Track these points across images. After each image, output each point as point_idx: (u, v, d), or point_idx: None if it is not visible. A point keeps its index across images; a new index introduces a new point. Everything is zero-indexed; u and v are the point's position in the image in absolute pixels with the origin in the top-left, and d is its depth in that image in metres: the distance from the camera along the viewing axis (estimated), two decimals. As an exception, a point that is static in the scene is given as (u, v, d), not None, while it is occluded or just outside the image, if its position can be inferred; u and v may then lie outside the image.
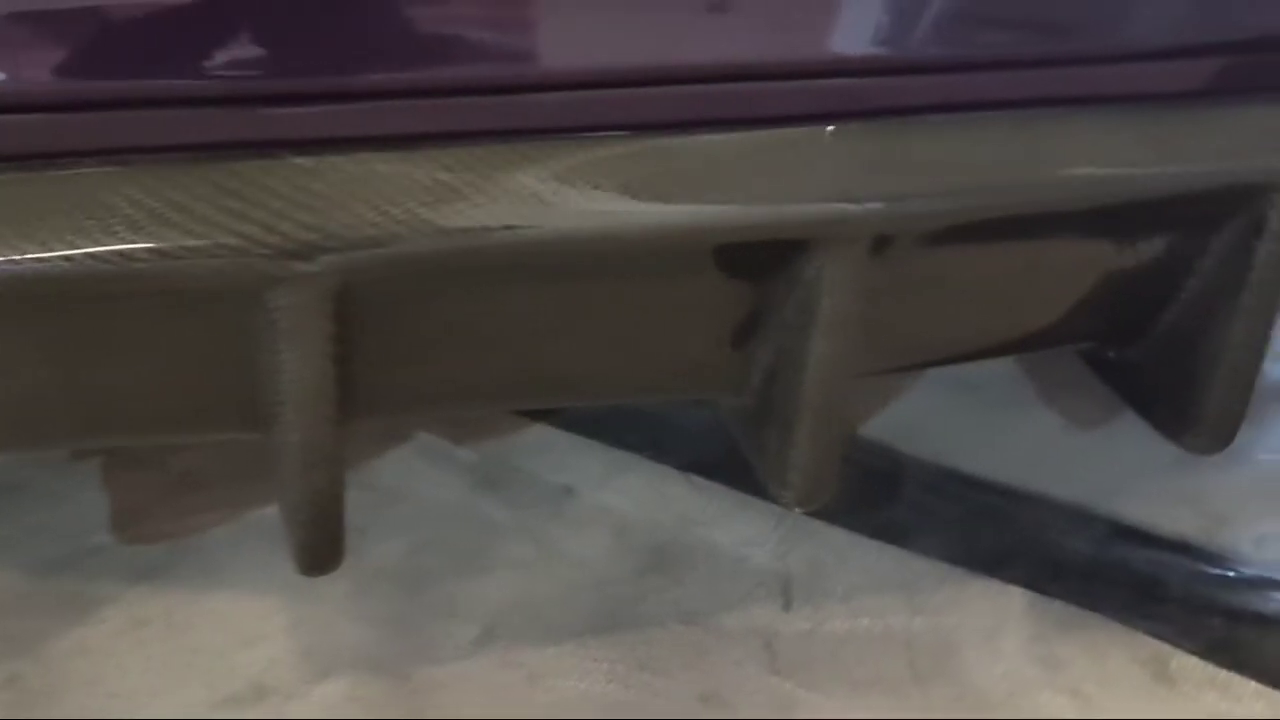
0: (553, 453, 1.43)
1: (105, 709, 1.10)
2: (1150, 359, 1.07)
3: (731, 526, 1.34)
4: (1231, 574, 1.30)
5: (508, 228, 0.79)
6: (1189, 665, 1.19)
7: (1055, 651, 1.20)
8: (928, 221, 0.86)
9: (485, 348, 0.89)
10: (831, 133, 0.85)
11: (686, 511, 1.36)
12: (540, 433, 1.46)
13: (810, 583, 1.27)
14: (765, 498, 1.36)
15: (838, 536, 1.33)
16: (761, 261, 0.88)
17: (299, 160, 0.76)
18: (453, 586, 1.25)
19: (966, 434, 1.50)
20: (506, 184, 0.79)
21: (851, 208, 0.83)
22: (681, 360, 0.96)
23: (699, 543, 1.32)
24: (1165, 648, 1.21)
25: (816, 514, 1.35)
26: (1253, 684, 1.18)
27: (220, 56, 0.75)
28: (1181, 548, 1.34)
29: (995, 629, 1.22)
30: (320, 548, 0.87)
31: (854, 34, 0.86)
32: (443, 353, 0.88)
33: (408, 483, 1.38)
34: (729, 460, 1.42)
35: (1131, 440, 1.49)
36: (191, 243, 0.74)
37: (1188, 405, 1.05)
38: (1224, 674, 1.19)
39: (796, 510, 0.98)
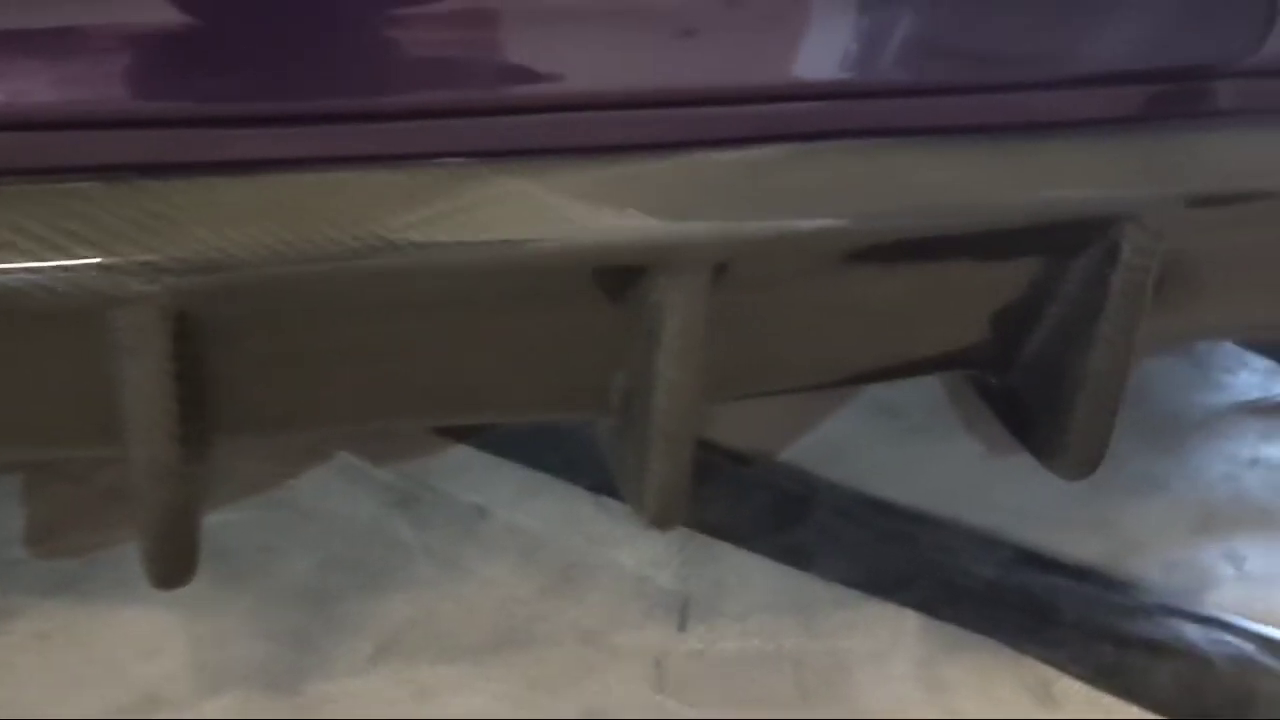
0: (470, 473, 1.46)
1: None
2: (1022, 385, 1.09)
3: (637, 547, 1.35)
4: (1129, 601, 1.31)
5: (347, 255, 0.81)
6: (1074, 690, 1.20)
7: (942, 674, 1.21)
8: (764, 249, 0.88)
9: (346, 368, 0.92)
10: (681, 161, 0.87)
11: (594, 532, 1.38)
12: (459, 454, 1.49)
13: (708, 604, 1.29)
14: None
15: (742, 559, 1.35)
16: (613, 286, 0.90)
17: (142, 183, 0.79)
18: (355, 604, 1.27)
19: (884, 459, 1.52)
20: (349, 210, 0.81)
21: (683, 234, 0.85)
22: (548, 380, 0.98)
23: (604, 563, 1.34)
24: (1052, 672, 1.22)
25: (723, 536, 1.38)
26: (1135, 709, 1.19)
27: (61, 79, 0.78)
28: (1084, 574, 1.35)
29: (886, 651, 1.24)
30: (169, 561, 0.89)
31: (711, 65, 0.88)
32: (301, 373, 0.91)
33: (323, 501, 1.40)
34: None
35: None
36: (32, 264, 0.77)
37: (1054, 431, 1.06)
38: (1108, 699, 1.20)
39: (651, 526, 1.00)
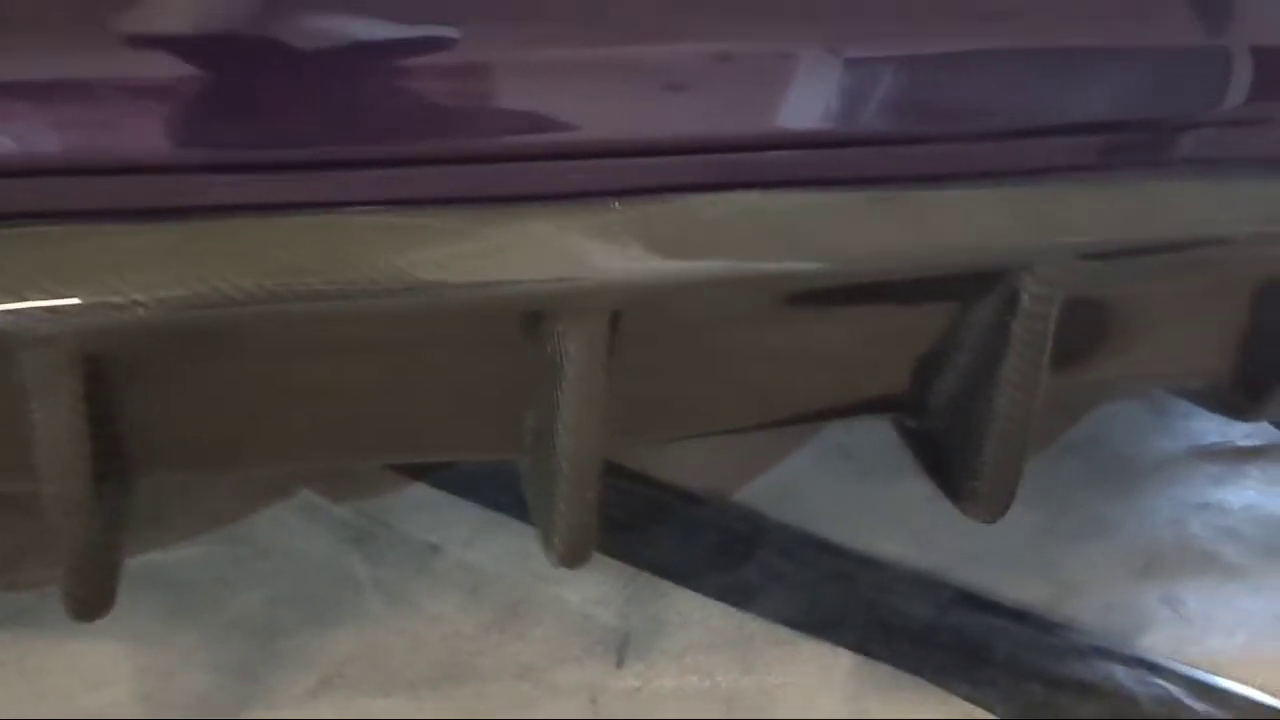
0: (427, 511, 1.49)
1: (-52, 746, 1.17)
2: (936, 428, 1.11)
3: (583, 586, 1.38)
4: (1063, 642, 1.33)
5: (247, 299, 0.85)
6: (999, 729, 1.23)
7: (869, 711, 1.23)
8: (653, 296, 0.91)
9: (263, 407, 0.95)
10: (580, 209, 0.91)
11: (542, 570, 1.40)
12: (418, 492, 1.52)
13: (648, 641, 1.32)
14: (620, 558, 1.42)
15: (684, 597, 1.37)
16: (523, 329, 0.94)
17: (46, 229, 0.83)
18: (302, 638, 1.30)
19: (835, 500, 1.54)
20: (252, 256, 0.85)
21: (578, 281, 0.89)
22: (464, 420, 1.01)
23: (549, 600, 1.37)
24: (980, 711, 1.24)
25: (668, 575, 1.41)
26: (1058, 749, 1.21)
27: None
28: (1020, 616, 1.37)
29: (817, 689, 1.26)
30: (84, 595, 0.93)
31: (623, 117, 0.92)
32: (221, 412, 0.94)
33: (279, 537, 1.44)
34: (591, 522, 1.48)
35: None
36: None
37: (964, 474, 1.09)
38: (1034, 738, 1.22)
39: (559, 565, 1.03)
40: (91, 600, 0.93)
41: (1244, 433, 1.69)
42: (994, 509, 1.10)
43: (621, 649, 1.31)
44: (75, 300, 0.82)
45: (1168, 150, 1.02)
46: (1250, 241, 1.02)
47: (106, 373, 0.86)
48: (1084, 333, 1.10)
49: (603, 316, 0.91)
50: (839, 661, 1.29)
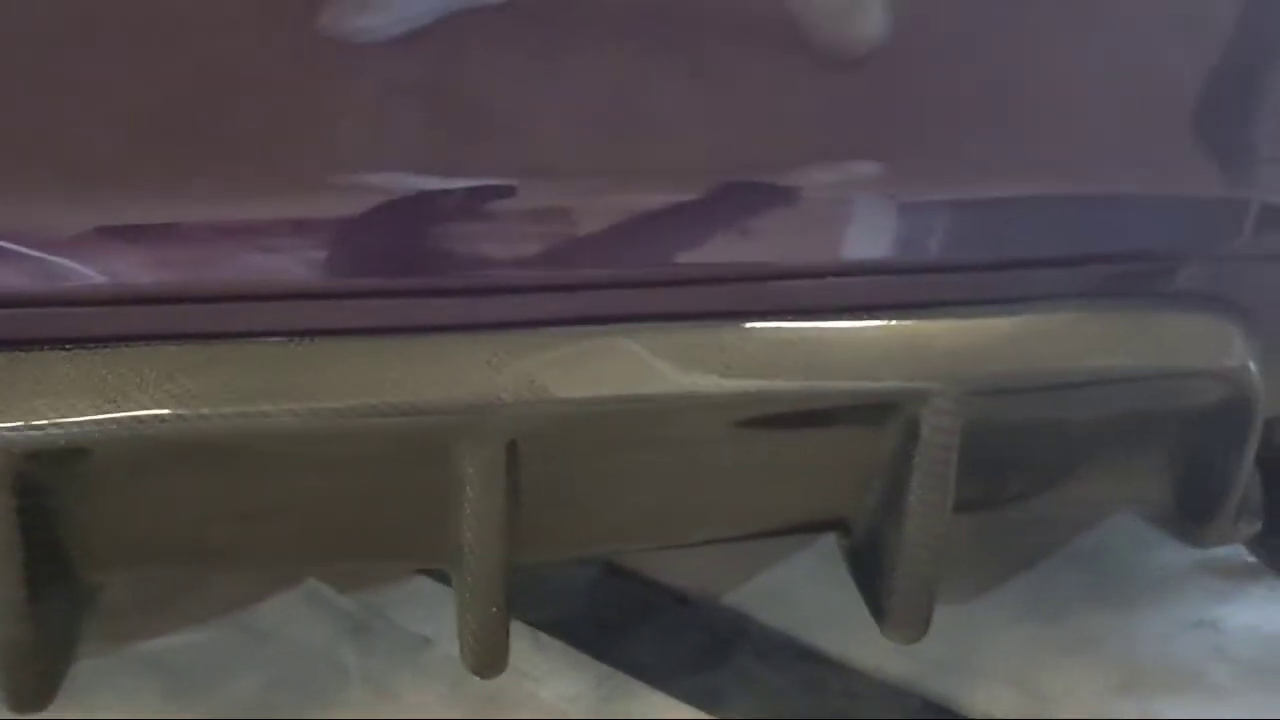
0: (424, 605, 1.56)
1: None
2: (860, 549, 1.14)
3: (559, 683, 1.43)
4: (1022, 756, 1.34)
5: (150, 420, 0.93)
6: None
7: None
8: (554, 425, 0.97)
9: (195, 515, 1.03)
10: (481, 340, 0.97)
11: (524, 666, 1.46)
12: (417, 585, 1.59)
13: (616, 741, 1.37)
14: (600, 657, 1.47)
15: (654, 699, 1.41)
16: (431, 453, 1.00)
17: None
18: (287, 723, 1.38)
19: (824, 605, 1.56)
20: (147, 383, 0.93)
21: (473, 411, 0.95)
22: (392, 532, 1.08)
23: (525, 696, 1.42)
24: (921, 826, 1.26)
25: (643, 675, 1.45)
26: None
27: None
28: (983, 728, 1.38)
29: (768, 795, 1.29)
30: (20, 691, 1.00)
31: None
32: (153, 518, 1.02)
33: (282, 625, 1.52)
34: (573, 620, 1.54)
35: (983, 621, 1.55)
36: None
37: (879, 595, 1.12)
38: None
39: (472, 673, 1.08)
40: (26, 694, 1.01)
41: (1255, 548, 1.67)
42: (909, 630, 1.12)
43: (586, 748, 1.36)
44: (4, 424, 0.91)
45: (1068, 286, 1.05)
46: (1145, 377, 1.05)
47: (38, 486, 0.95)
48: (1007, 462, 1.13)
49: (500, 443, 0.97)
50: (793, 769, 1.32)
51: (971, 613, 1.57)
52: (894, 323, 1.02)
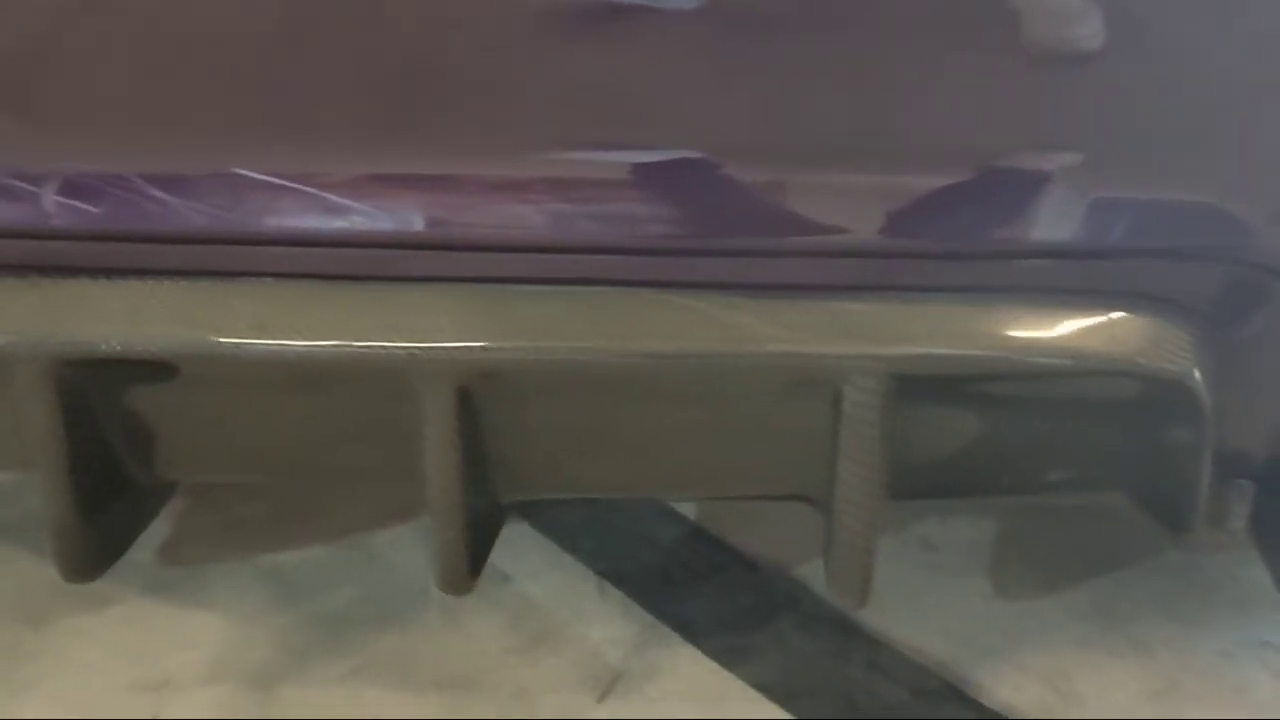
0: (513, 547, 1.69)
1: None
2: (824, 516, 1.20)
3: (605, 627, 1.55)
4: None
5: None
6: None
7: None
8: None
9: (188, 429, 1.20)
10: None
11: (580, 609, 1.58)
12: (514, 529, 1.73)
13: (635, 684, 1.47)
14: (650, 609, 1.58)
15: (686, 652, 1.51)
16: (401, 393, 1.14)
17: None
18: (362, 631, 1.54)
19: (888, 584, 1.56)
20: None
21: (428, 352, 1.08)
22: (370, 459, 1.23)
23: (573, 636, 1.54)
24: (891, 795, 1.31)
25: (682, 630, 1.55)
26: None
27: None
28: (993, 716, 1.40)
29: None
30: (68, 562, 1.18)
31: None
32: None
33: (389, 550, 1.69)
34: (641, 573, 1.65)
35: (1040, 617, 1.56)
36: None
37: (828, 559, 1.18)
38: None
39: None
40: (72, 566, 1.20)
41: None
42: (847, 597, 1.18)
43: (609, 686, 1.46)
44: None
45: (1008, 277, 1.08)
46: (1071, 372, 1.07)
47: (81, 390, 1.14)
48: (955, 447, 1.17)
49: (452, 383, 1.10)
50: (791, 728, 1.40)
51: (1031, 608, 1.58)
52: (822, 301, 1.08)
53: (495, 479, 1.18)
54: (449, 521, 1.15)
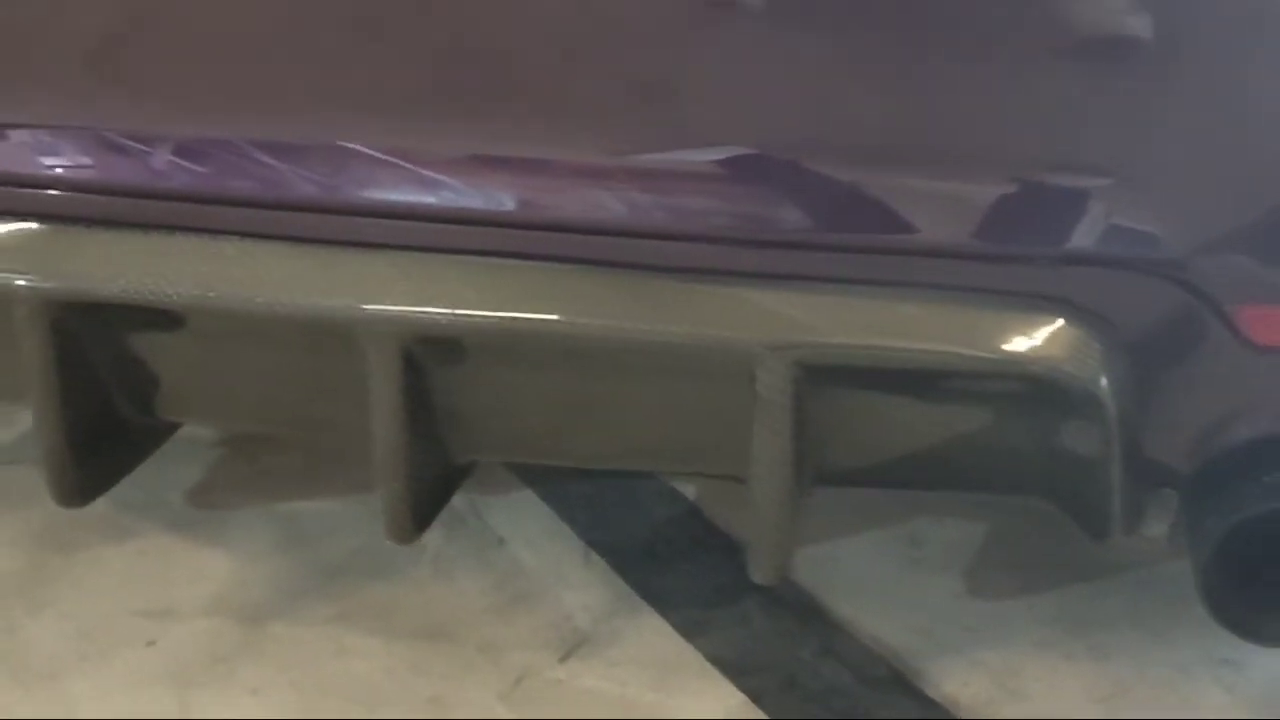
0: (511, 510, 1.78)
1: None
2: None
3: (582, 593, 1.62)
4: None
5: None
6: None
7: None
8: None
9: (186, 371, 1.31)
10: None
11: (565, 574, 1.66)
12: (523, 496, 1.81)
13: (598, 648, 1.54)
14: (630, 582, 1.65)
15: (652, 621, 1.57)
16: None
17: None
18: (354, 579, 1.64)
19: (867, 576, 1.65)
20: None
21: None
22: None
23: (551, 599, 1.62)
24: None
25: (654, 601, 1.61)
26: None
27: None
28: (932, 705, 1.44)
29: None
30: (60, 489, 1.31)
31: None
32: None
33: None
34: (627, 545, 1.72)
35: (1007, 617, 1.59)
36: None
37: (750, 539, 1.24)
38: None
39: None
40: (64, 492, 1.31)
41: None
42: (766, 572, 1.23)
43: (573, 648, 1.54)
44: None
45: (918, 275, 1.13)
46: (973, 370, 1.11)
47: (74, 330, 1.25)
48: (868, 436, 1.22)
49: (396, 344, 1.18)
50: (729, 701, 1.45)
51: (999, 608, 1.61)
52: (738, 289, 1.14)
53: (445, 439, 1.26)
54: (393, 474, 1.24)
